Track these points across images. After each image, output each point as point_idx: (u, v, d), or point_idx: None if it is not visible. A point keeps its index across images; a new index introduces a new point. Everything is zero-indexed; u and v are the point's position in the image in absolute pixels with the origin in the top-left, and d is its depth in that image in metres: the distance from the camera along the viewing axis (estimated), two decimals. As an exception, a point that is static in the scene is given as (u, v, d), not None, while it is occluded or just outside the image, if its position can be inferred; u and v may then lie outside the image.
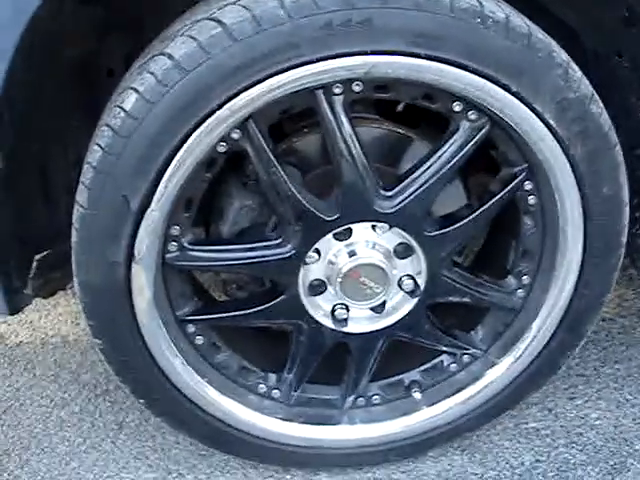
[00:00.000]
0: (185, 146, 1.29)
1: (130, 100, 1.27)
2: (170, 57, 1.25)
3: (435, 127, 1.49)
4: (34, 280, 1.63)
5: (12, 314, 1.59)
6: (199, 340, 1.54)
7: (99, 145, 1.31)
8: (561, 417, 1.83)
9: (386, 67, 1.27)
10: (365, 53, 1.25)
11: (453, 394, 1.66)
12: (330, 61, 1.25)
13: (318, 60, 1.25)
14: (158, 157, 1.29)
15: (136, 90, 1.27)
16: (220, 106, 1.27)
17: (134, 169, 1.30)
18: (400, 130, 1.52)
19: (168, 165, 1.30)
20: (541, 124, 1.35)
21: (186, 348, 1.53)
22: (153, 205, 1.33)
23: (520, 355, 1.62)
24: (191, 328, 1.52)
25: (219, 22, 1.24)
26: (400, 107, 1.61)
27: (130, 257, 1.37)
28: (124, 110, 1.28)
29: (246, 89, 1.26)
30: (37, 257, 1.65)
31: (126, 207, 1.32)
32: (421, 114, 1.48)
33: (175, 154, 1.29)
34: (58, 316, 2.30)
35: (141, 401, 1.59)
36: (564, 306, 1.56)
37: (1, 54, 1.28)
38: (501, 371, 1.64)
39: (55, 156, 1.66)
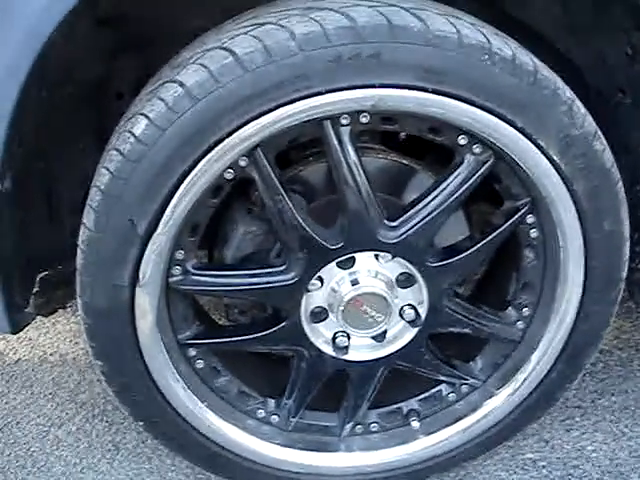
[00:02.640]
0: (193, 172, 1.30)
1: (140, 126, 1.29)
2: (181, 84, 1.27)
3: (440, 159, 1.51)
4: (36, 298, 1.64)
5: (14, 332, 1.59)
6: (199, 364, 1.55)
7: (107, 169, 1.32)
8: (558, 448, 1.84)
9: (393, 100, 1.29)
10: (373, 86, 1.27)
11: (451, 424, 1.67)
12: (339, 93, 1.27)
13: (327, 92, 1.27)
14: (166, 182, 1.30)
15: (146, 116, 1.28)
16: (229, 134, 1.28)
17: (142, 194, 1.31)
18: (405, 161, 1.54)
19: (176, 191, 1.31)
20: (545, 160, 1.37)
21: (186, 372, 1.54)
22: (159, 229, 1.34)
23: (519, 386, 1.62)
24: (192, 352, 1.53)
25: (230, 51, 1.26)
26: (402, 135, 1.62)
27: (135, 280, 1.38)
28: (134, 135, 1.29)
29: (255, 118, 1.27)
30: (40, 275, 1.65)
31: (133, 231, 1.33)
32: (426, 145, 1.50)
33: (183, 180, 1.30)
34: (57, 334, 2.30)
35: (140, 423, 1.59)
36: (563, 339, 1.57)
37: (14, 76, 1.30)
38: (499, 402, 1.64)
39: (61, 177, 1.67)
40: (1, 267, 1.48)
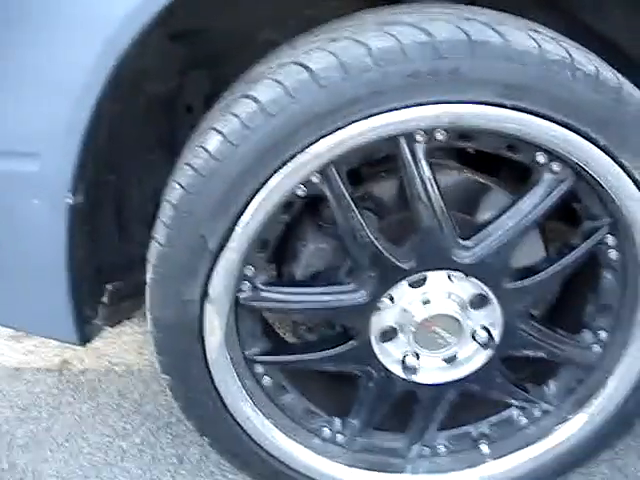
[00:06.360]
0: (265, 189, 1.29)
1: (213, 141, 1.28)
2: (255, 100, 1.26)
3: (514, 175, 1.47)
4: (104, 309, 1.65)
5: (82, 344, 1.60)
6: (266, 381, 1.53)
7: (179, 184, 1.32)
8: (631, 477, 1.76)
9: (472, 117, 1.26)
10: (451, 102, 1.24)
11: (522, 448, 1.61)
12: (415, 109, 1.24)
13: (403, 108, 1.24)
14: (238, 198, 1.29)
15: (219, 131, 1.28)
16: (302, 150, 1.27)
17: (213, 209, 1.30)
18: (479, 178, 1.50)
19: (247, 207, 1.30)
20: (627, 179, 1.32)
21: (253, 388, 1.52)
22: (230, 245, 1.33)
23: (594, 412, 1.57)
24: (259, 368, 1.51)
25: (305, 67, 1.24)
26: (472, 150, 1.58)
27: (204, 296, 1.37)
28: (206, 150, 1.29)
29: (329, 134, 1.25)
30: (109, 287, 1.66)
31: (204, 246, 1.33)
32: (499, 162, 1.46)
33: (255, 196, 1.29)
34: (123, 344, 2.31)
35: (205, 438, 1.58)
36: (642, 364, 1.51)
37: (91, 88, 1.30)
38: (573, 428, 1.58)
39: (131, 189, 1.68)
40: (72, 279, 1.49)
